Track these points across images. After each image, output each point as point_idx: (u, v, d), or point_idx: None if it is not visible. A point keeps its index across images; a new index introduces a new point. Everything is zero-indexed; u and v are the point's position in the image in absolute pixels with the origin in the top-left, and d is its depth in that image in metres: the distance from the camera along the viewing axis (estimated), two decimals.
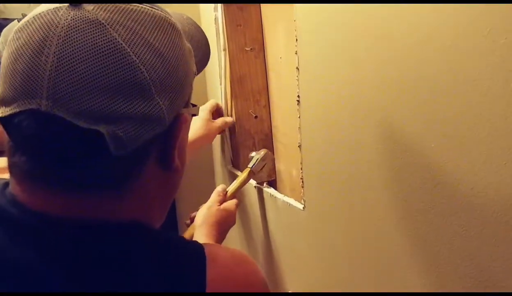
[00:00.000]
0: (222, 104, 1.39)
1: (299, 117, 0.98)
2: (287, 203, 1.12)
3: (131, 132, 0.48)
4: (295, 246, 1.12)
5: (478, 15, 0.53)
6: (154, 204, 0.57)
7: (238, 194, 1.22)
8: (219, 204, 1.13)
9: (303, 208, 1.04)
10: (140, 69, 0.47)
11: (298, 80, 0.96)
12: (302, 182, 1.02)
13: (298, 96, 0.97)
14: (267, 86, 1.31)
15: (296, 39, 0.94)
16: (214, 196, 1.16)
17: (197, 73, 0.62)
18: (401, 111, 0.67)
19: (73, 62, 0.45)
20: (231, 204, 1.14)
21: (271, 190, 1.21)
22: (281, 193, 1.18)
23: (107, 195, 0.51)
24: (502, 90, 0.52)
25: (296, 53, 0.95)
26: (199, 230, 1.06)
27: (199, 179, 1.70)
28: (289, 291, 1.16)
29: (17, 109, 0.46)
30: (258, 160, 1.24)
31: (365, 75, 0.74)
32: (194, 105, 0.60)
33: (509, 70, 0.51)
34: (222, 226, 1.09)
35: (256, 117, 1.31)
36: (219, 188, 1.18)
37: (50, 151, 0.47)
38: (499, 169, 0.54)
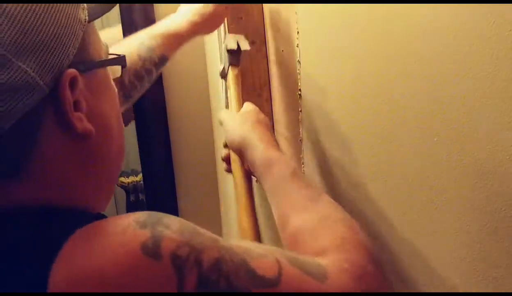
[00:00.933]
0: (223, 98, 1.38)
1: (300, 111, 0.97)
2: None
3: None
4: None
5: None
6: (71, 181, 0.50)
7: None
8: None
9: None
10: None
11: (299, 73, 0.95)
12: (304, 173, 1.01)
13: (300, 90, 0.96)
14: (269, 80, 1.29)
15: (298, 32, 0.93)
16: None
17: (92, 19, 0.52)
18: (404, 104, 0.66)
19: None
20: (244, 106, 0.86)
21: None
22: None
23: (2, 186, 0.46)
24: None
25: (297, 46, 0.93)
26: (250, 145, 0.75)
27: (200, 175, 1.69)
28: None
29: None
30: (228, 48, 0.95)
31: (368, 68, 0.73)
32: (113, 56, 0.54)
33: None
34: (262, 125, 0.80)
35: None
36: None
37: None
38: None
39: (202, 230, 0.46)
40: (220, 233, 1.70)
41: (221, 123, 0.86)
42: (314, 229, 0.59)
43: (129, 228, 0.42)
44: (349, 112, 0.80)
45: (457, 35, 0.56)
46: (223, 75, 0.98)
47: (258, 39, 1.24)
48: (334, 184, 0.90)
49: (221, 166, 1.61)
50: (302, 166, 1.01)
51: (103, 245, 0.41)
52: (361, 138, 0.78)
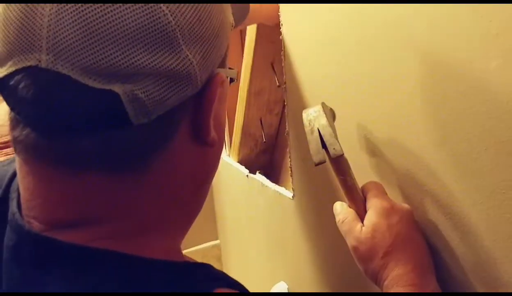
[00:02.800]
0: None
1: (285, 103, 0.96)
2: (277, 191, 1.10)
3: (154, 93, 0.38)
4: (285, 235, 1.10)
5: None
6: (183, 191, 0.45)
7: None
8: (359, 220, 0.63)
9: (292, 196, 1.02)
10: (163, 11, 0.37)
11: (283, 65, 0.93)
12: (291, 170, 1.00)
13: (285, 82, 0.94)
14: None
15: (281, 24, 0.91)
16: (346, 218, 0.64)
17: (234, 26, 0.51)
18: (390, 98, 0.65)
19: (78, 4, 0.35)
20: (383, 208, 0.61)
21: (262, 178, 1.19)
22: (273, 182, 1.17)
23: (121, 180, 0.40)
24: None
25: (281, 38, 0.92)
26: None
27: None
28: (282, 282, 1.15)
29: (13, 68, 0.36)
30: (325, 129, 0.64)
31: (354, 58, 0.72)
32: (231, 69, 0.49)
33: None
34: (410, 256, 0.59)
35: (264, 142, 1.26)
36: (337, 205, 0.67)
37: (53, 120, 0.37)
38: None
39: None
40: (215, 228, 1.69)
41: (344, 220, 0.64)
42: None
43: None
44: (335, 105, 0.78)
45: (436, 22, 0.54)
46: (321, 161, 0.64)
47: (277, 57, 1.17)
48: (323, 178, 0.88)
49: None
50: (290, 160, 1.00)
51: None
52: (348, 130, 0.76)
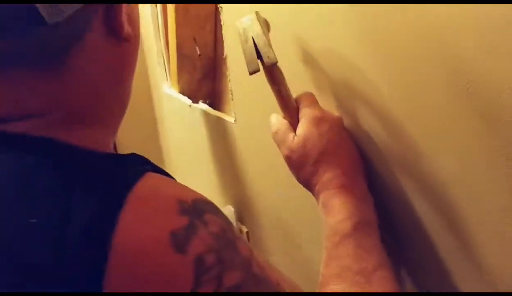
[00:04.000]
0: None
1: (222, 24, 0.94)
2: (220, 117, 1.10)
3: None
4: (230, 160, 1.11)
5: None
6: (102, 88, 0.48)
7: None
8: (292, 130, 0.64)
9: (234, 121, 1.02)
10: None
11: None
12: (232, 94, 1.00)
13: (221, 6, 0.92)
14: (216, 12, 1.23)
15: None
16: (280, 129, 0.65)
17: None
18: (325, 7, 0.64)
19: None
20: (312, 114, 0.63)
21: (204, 106, 1.19)
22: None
23: (42, 76, 0.44)
24: None
25: None
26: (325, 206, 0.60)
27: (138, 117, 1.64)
28: (228, 206, 1.17)
29: None
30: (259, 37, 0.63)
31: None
32: None
33: None
34: (340, 158, 0.61)
35: (200, 55, 1.23)
36: (272, 117, 0.68)
37: None
38: None
39: (242, 244, 0.42)
40: (161, 160, 1.68)
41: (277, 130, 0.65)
42: None
43: (172, 208, 0.39)
44: (269, 14, 0.77)
45: None
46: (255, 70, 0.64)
47: None
48: (263, 101, 0.89)
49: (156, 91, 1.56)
50: (229, 83, 0.99)
51: (147, 215, 0.39)
52: (282, 39, 0.76)
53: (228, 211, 1.14)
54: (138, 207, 0.38)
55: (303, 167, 0.62)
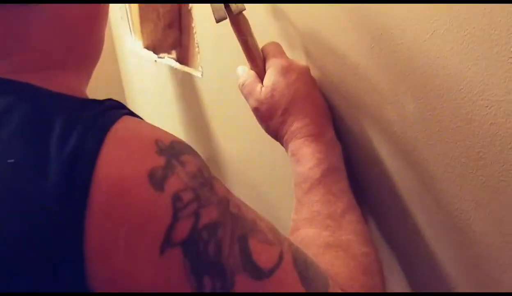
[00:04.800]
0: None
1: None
2: (186, 72, 1.08)
3: None
4: (198, 115, 1.11)
5: None
6: (75, 31, 0.47)
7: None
8: (259, 81, 0.64)
9: (201, 75, 1.01)
10: None
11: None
12: (198, 47, 0.98)
13: None
14: None
15: None
16: (248, 81, 0.64)
17: None
18: None
19: None
20: (278, 64, 0.62)
21: (170, 61, 1.17)
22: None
23: (10, 14, 0.43)
24: None
25: None
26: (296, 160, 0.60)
27: None
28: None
29: None
30: None
31: None
32: None
33: None
34: (308, 108, 0.61)
35: None
36: (239, 69, 0.68)
37: None
38: None
39: (218, 185, 0.42)
40: None
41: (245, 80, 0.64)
42: (322, 251, 0.51)
43: (149, 148, 0.39)
44: None
45: None
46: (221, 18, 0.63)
47: None
48: (230, 54, 0.88)
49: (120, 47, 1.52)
50: (195, 36, 0.97)
51: (126, 154, 0.38)
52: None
53: None
54: (117, 146, 0.38)
55: (271, 118, 0.62)
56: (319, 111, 0.62)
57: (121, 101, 0.46)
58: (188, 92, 1.12)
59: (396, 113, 0.55)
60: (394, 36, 0.52)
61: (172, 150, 0.40)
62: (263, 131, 0.66)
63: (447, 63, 0.47)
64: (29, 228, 0.36)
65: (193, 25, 0.97)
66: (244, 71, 0.66)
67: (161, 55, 1.22)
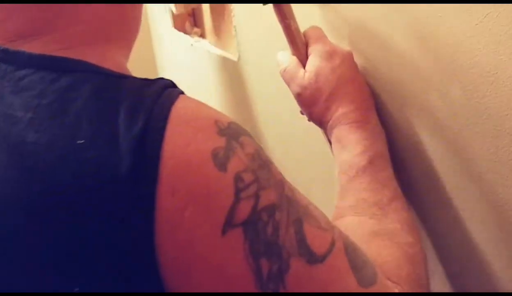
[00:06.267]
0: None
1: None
2: (222, 56, 1.08)
3: None
4: (234, 99, 1.11)
5: None
6: (115, 6, 0.47)
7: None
8: (301, 66, 0.63)
9: (238, 59, 1.01)
10: None
11: None
12: (235, 31, 0.98)
13: None
14: None
15: None
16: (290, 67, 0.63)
17: None
18: None
19: None
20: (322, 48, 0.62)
21: (206, 45, 1.17)
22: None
23: None
24: None
25: None
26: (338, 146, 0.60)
27: None
28: None
29: None
30: None
31: None
32: None
33: None
34: (352, 95, 0.60)
35: None
36: (279, 55, 0.66)
37: None
38: None
39: (274, 168, 0.42)
40: None
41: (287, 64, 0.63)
42: (368, 239, 0.51)
43: (211, 128, 0.39)
44: None
45: None
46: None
47: None
48: (268, 39, 0.87)
49: None
50: (233, 18, 0.97)
51: (190, 133, 0.38)
52: None
53: None
54: (180, 126, 0.38)
55: (315, 104, 0.60)
56: (364, 97, 0.61)
57: None
58: (224, 75, 1.12)
59: (441, 101, 0.54)
60: (440, 22, 0.51)
61: (231, 130, 0.40)
62: (301, 116, 0.66)
63: (498, 48, 0.45)
64: (100, 203, 0.36)
65: (231, 7, 0.97)
66: (285, 56, 0.65)
67: (196, 39, 1.22)
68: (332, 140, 0.60)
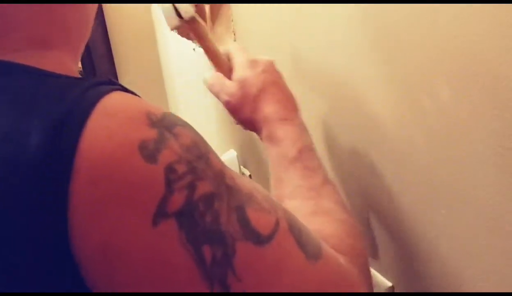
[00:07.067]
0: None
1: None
2: None
3: None
4: None
5: None
6: (60, 9, 0.46)
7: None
8: (226, 78, 0.68)
9: None
10: None
11: None
12: (234, 35, 0.98)
13: None
14: None
15: None
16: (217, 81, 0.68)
17: None
18: None
19: None
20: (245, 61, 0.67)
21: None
22: None
23: None
24: None
25: None
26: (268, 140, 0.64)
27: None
28: (231, 150, 1.17)
29: None
30: None
31: None
32: None
33: None
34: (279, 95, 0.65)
35: None
36: (204, 75, 0.71)
37: None
38: None
39: (214, 157, 0.41)
40: (165, 100, 1.68)
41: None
42: (309, 219, 0.52)
43: (140, 120, 0.38)
44: None
45: None
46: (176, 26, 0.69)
47: None
48: (263, 40, 0.87)
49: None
50: (232, 23, 0.97)
51: (115, 125, 0.37)
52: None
53: (231, 155, 1.15)
54: (105, 117, 0.37)
55: (243, 107, 0.65)
56: (287, 97, 0.66)
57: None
58: None
59: (430, 102, 0.53)
60: (427, 20, 0.50)
61: (164, 121, 0.39)
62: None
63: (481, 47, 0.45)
64: (12, 195, 0.35)
65: (229, 12, 0.97)
66: (210, 74, 0.69)
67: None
68: (263, 138, 0.64)
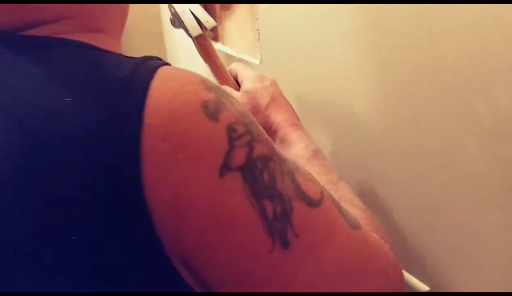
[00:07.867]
0: None
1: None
2: (244, 59, 1.08)
3: None
4: None
5: None
6: None
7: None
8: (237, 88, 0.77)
9: (260, 62, 1.01)
10: None
11: None
12: (258, 34, 0.98)
13: None
14: None
15: None
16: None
17: None
18: None
19: None
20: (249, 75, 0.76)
21: (226, 49, 1.17)
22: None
23: None
24: None
25: None
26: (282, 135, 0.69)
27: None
28: None
29: None
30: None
31: None
32: None
33: None
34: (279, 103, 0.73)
35: None
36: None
37: None
38: None
39: (261, 128, 0.44)
40: None
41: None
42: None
43: (198, 84, 0.40)
44: None
45: None
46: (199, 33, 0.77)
47: None
48: (290, 43, 0.87)
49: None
50: (257, 22, 0.97)
51: (178, 86, 0.39)
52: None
53: None
54: (167, 80, 0.39)
55: (257, 114, 0.71)
56: (292, 109, 0.73)
57: None
58: None
59: (487, 107, 0.54)
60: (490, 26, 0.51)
61: (219, 89, 0.42)
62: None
63: None
64: (86, 152, 0.37)
65: (255, 11, 0.97)
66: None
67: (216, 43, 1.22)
68: (277, 142, 0.69)
